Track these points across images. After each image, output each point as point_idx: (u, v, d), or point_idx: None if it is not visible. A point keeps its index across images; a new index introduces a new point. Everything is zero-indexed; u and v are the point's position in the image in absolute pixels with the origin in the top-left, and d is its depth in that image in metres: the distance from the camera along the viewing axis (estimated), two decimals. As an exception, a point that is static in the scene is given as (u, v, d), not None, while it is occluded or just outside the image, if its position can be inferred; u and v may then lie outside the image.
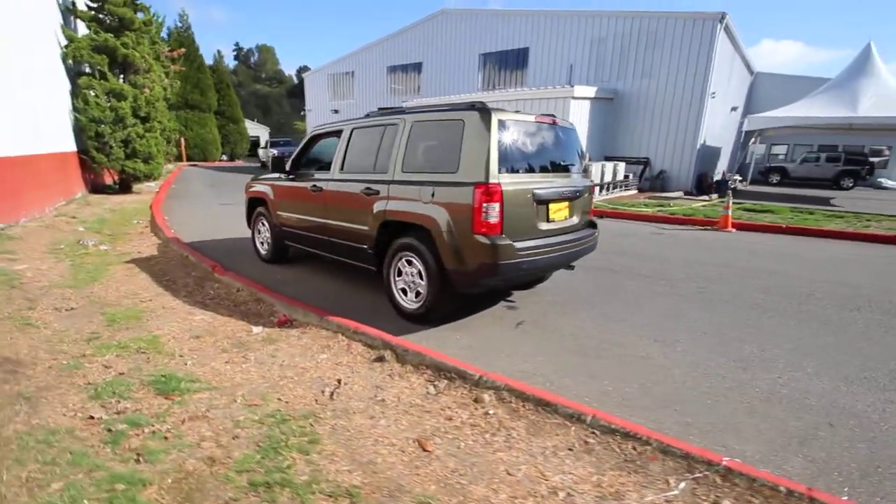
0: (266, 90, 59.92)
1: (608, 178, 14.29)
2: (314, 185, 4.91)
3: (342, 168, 4.65)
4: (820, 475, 2.20)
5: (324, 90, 27.05)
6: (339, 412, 2.54)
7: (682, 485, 2.01)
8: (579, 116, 15.69)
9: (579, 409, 2.47)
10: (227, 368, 3.05)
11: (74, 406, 2.42)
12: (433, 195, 3.70)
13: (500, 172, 3.51)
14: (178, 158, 23.46)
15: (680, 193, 15.61)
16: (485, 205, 3.44)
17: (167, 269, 5.48)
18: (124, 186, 11.46)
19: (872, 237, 7.91)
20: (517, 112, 3.88)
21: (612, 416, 2.43)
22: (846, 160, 19.92)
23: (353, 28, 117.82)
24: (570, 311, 4.34)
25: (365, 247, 4.37)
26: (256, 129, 40.34)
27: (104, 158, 10.17)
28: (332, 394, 2.76)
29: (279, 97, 59.82)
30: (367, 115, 4.71)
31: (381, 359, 3.22)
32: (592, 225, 4.62)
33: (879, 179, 20.47)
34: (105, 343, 3.32)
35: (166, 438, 2.17)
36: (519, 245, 3.58)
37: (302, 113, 32.13)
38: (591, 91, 16.14)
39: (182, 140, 24.33)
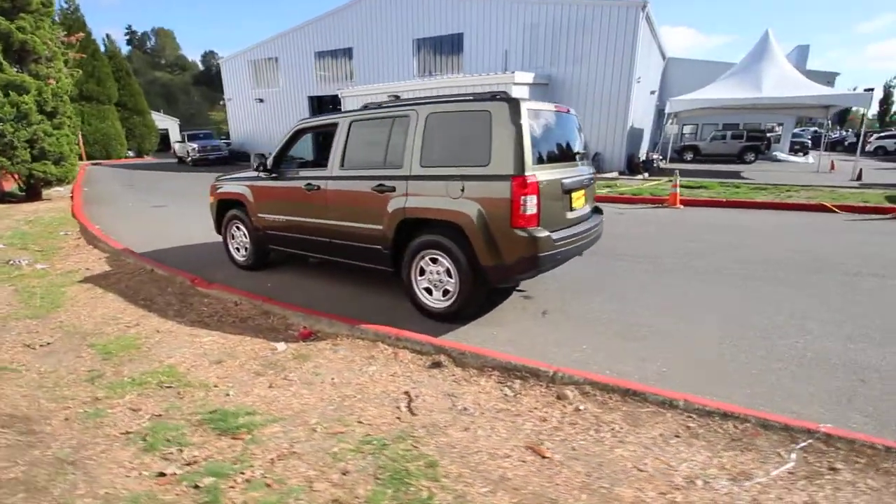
0: (168, 78, 54.47)
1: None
2: (309, 184, 4.55)
3: (343, 164, 4.34)
4: (882, 427, 2.43)
5: (245, 77, 25.14)
6: (430, 428, 2.39)
7: (794, 455, 2.14)
8: (520, 102, 15.96)
9: (668, 396, 2.53)
10: (276, 394, 2.75)
11: (131, 464, 2.04)
12: (463, 190, 3.56)
13: (533, 164, 3.46)
14: (79, 157, 20.73)
15: (615, 174, 16.54)
16: (523, 197, 3.37)
17: (135, 286, 4.82)
18: (33, 193, 9.90)
19: (799, 206, 8.93)
20: (535, 101, 3.84)
21: (702, 398, 2.52)
22: (748, 137, 22.27)
23: (264, 10, 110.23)
24: (583, 297, 4.43)
25: (378, 247, 4.13)
26: (164, 121, 36.65)
27: (6, 161, 8.69)
28: (409, 409, 2.59)
29: (184, 85, 54.69)
30: (366, 107, 4.43)
31: (437, 364, 3.08)
32: (599, 211, 4.74)
33: (774, 153, 23.13)
34: (114, 381, 2.85)
35: (269, 486, 1.90)
36: (554, 236, 3.57)
37: (221, 103, 29.69)
38: (529, 77, 16.49)
39: (80, 136, 21.49)
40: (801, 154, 24.63)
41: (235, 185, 5.43)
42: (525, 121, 3.46)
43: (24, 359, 3.16)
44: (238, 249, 5.62)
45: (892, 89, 50.20)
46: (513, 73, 15.64)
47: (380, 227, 4.07)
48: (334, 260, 4.60)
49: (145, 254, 6.11)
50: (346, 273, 5.16)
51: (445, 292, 3.87)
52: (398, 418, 2.49)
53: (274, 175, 4.96)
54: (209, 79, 57.61)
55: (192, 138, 22.76)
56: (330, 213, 4.43)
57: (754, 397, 2.72)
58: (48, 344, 3.38)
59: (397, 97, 4.40)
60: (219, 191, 5.65)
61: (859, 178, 14.18)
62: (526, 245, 3.44)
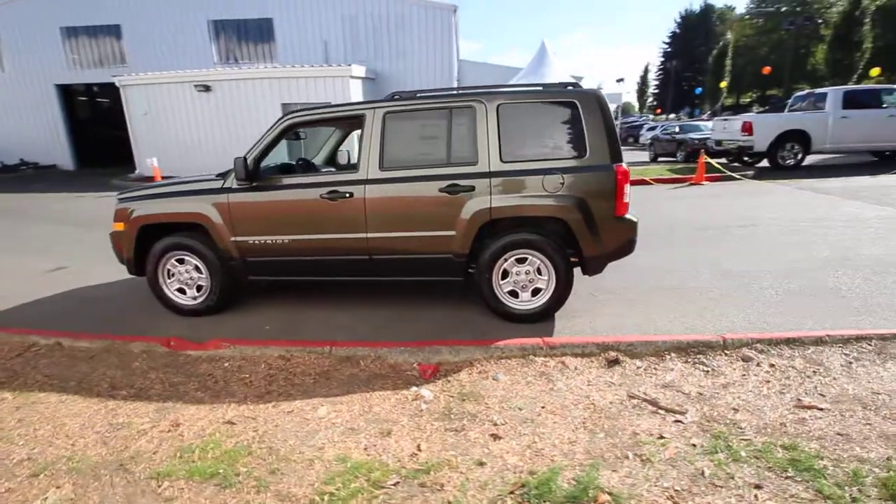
0: None
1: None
2: (333, 191, 3.65)
3: (382, 165, 3.63)
4: (897, 324, 3.48)
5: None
6: (718, 422, 2.35)
7: (920, 354, 2.92)
8: (356, 97, 15.52)
9: (814, 335, 3.08)
10: (517, 446, 2.25)
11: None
12: (563, 183, 3.45)
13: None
14: None
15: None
16: (626, 186, 3.49)
17: (62, 374, 3.05)
18: None
19: (666, 181, 11.33)
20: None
21: (838, 330, 3.13)
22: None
23: None
24: (606, 274, 4.75)
25: (447, 256, 3.65)
26: None
27: None
28: (668, 411, 2.48)
29: None
30: (394, 97, 3.77)
31: (615, 362, 2.98)
32: None
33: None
34: (304, 507, 1.85)
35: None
36: None
37: None
38: (362, 70, 16.10)
39: None
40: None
41: (179, 202, 3.93)
42: (609, 110, 3.56)
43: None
44: (183, 290, 4.09)
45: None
46: (350, 65, 15.01)
47: (450, 234, 3.59)
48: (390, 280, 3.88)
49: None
50: (347, 292, 4.43)
51: (535, 291, 3.70)
52: (678, 421, 2.37)
53: (256, 185, 3.79)
54: None
55: None
56: (372, 224, 3.66)
57: (815, 319, 3.49)
58: (74, 500, 1.92)
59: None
60: (137, 214, 3.98)
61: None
62: (627, 231, 3.58)
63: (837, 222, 6.51)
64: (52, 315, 4.16)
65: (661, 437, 2.24)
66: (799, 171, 11.46)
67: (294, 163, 4.68)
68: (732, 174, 10.91)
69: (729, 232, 6.40)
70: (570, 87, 3.64)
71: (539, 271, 3.65)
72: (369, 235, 3.68)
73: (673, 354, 3.04)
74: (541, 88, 3.72)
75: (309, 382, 2.90)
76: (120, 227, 4.05)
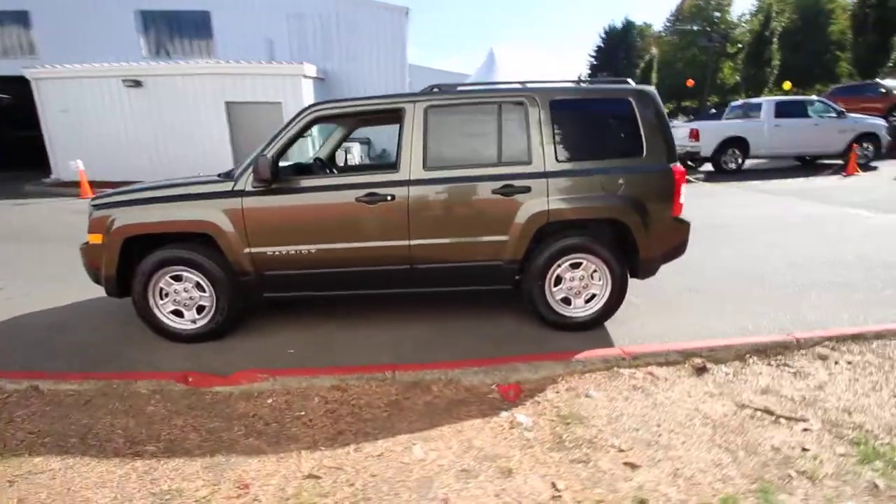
0: None
1: (357, 159, 14.80)
2: (371, 194, 3.23)
3: (426, 164, 3.27)
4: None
5: None
6: (856, 431, 2.26)
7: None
8: (308, 98, 14.73)
9: (874, 330, 3.14)
10: (667, 474, 2.00)
11: None
12: (622, 184, 3.29)
13: (670, 150, 3.50)
14: None
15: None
16: (682, 186, 3.40)
17: (53, 429, 2.37)
18: None
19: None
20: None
21: (887, 325, 3.22)
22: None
23: None
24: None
25: (498, 263, 3.37)
26: None
27: None
28: (792, 419, 2.35)
29: None
30: (434, 90, 3.43)
31: (703, 369, 2.84)
32: None
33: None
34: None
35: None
36: None
37: None
38: (313, 70, 15.32)
39: None
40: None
41: (178, 208, 3.30)
42: (663, 109, 3.46)
43: None
44: (180, 313, 3.45)
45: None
46: (302, 63, 14.19)
47: (502, 238, 3.31)
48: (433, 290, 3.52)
49: None
50: (367, 306, 4.02)
51: (590, 298, 3.51)
52: (806, 430, 2.24)
53: (276, 187, 3.27)
54: None
55: None
56: (415, 230, 3.28)
57: (849, 313, 3.62)
58: None
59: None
60: (120, 223, 3.30)
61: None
62: (682, 232, 3.50)
63: (800, 220, 6.98)
64: (6, 351, 3.33)
65: (805, 450, 2.10)
66: (740, 175, 12.37)
67: (307, 163, 4.15)
68: (689, 178, 11.53)
69: (709, 232, 6.58)
70: (622, 84, 3.50)
71: (593, 276, 3.47)
72: (412, 243, 3.30)
73: (755, 357, 2.96)
74: (591, 85, 3.55)
75: (382, 416, 2.47)
76: (97, 238, 3.34)
